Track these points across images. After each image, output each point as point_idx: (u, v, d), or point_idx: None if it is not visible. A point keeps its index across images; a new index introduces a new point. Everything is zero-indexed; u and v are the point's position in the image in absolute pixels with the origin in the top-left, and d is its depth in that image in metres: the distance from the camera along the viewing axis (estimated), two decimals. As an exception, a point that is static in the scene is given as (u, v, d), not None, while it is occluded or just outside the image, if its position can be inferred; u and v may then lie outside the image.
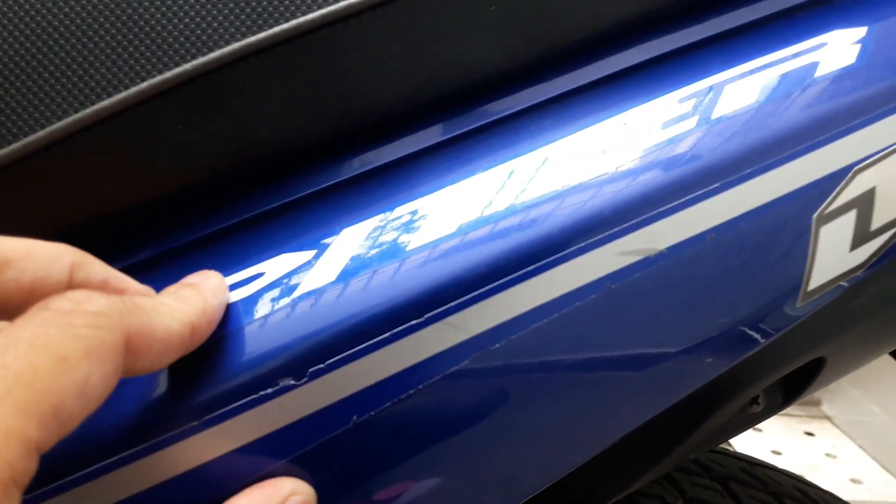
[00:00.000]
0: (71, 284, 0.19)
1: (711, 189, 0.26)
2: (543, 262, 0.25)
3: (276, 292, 0.24)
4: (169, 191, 0.25)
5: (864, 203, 0.28)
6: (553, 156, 0.26)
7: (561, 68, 0.28)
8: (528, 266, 0.25)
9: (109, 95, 0.24)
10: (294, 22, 0.24)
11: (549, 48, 0.27)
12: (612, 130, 0.26)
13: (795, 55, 0.28)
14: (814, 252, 0.27)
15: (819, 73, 0.27)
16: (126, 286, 0.21)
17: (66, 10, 0.24)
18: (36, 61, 0.23)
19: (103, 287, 0.20)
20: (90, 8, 0.24)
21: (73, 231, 0.25)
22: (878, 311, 0.32)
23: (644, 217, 0.25)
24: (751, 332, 0.28)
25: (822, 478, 1.57)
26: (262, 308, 0.24)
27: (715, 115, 0.27)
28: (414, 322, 0.24)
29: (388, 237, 0.25)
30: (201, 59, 0.24)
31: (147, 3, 0.24)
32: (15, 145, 0.23)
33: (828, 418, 1.81)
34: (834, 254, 0.28)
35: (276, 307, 0.24)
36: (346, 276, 0.24)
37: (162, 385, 0.23)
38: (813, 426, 1.77)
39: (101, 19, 0.24)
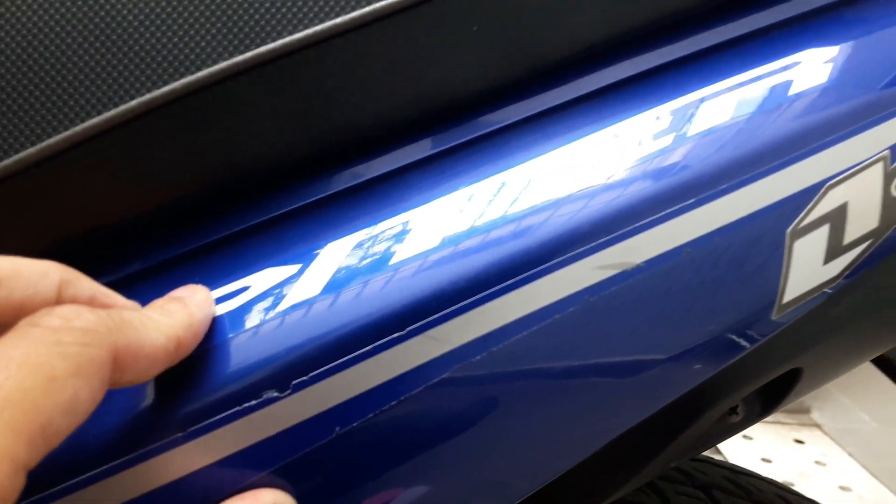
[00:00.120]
0: (59, 301, 0.20)
1: (687, 204, 0.26)
2: (523, 275, 0.25)
3: (260, 306, 0.25)
4: (157, 206, 0.26)
5: (837, 218, 0.28)
6: (533, 172, 0.27)
7: (542, 86, 0.28)
8: (508, 280, 0.25)
9: (99, 113, 0.24)
10: (280, 42, 0.24)
11: (530, 66, 0.28)
12: (591, 147, 0.27)
13: (770, 73, 0.29)
14: (788, 266, 0.28)
15: (793, 91, 0.28)
16: (113, 302, 0.22)
17: (58, 29, 0.24)
18: (27, 79, 0.24)
19: (91, 303, 0.21)
20: (80, 27, 0.24)
21: (62, 246, 0.25)
22: (853, 322, 0.33)
23: (621, 232, 0.26)
24: (727, 344, 0.28)
25: (812, 485, 1.58)
26: (247, 321, 0.24)
27: (691, 132, 0.27)
28: (396, 335, 0.24)
29: (370, 252, 0.26)
30: (189, 78, 0.24)
31: (136, 23, 0.24)
32: (6, 162, 0.24)
33: (818, 426, 1.81)
34: (808, 267, 0.28)
35: (261, 320, 0.24)
36: (329, 289, 0.25)
37: (146, 397, 0.23)
38: (803, 434, 1.77)
39: (92, 38, 0.24)
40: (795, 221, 0.27)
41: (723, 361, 0.28)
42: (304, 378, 0.24)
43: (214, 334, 0.24)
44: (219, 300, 0.25)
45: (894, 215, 0.29)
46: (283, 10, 0.25)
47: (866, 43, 0.30)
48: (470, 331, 0.25)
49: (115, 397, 0.23)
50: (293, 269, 0.25)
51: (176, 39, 0.24)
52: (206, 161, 0.25)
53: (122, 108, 0.24)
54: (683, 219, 0.26)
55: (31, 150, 0.24)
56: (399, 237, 0.26)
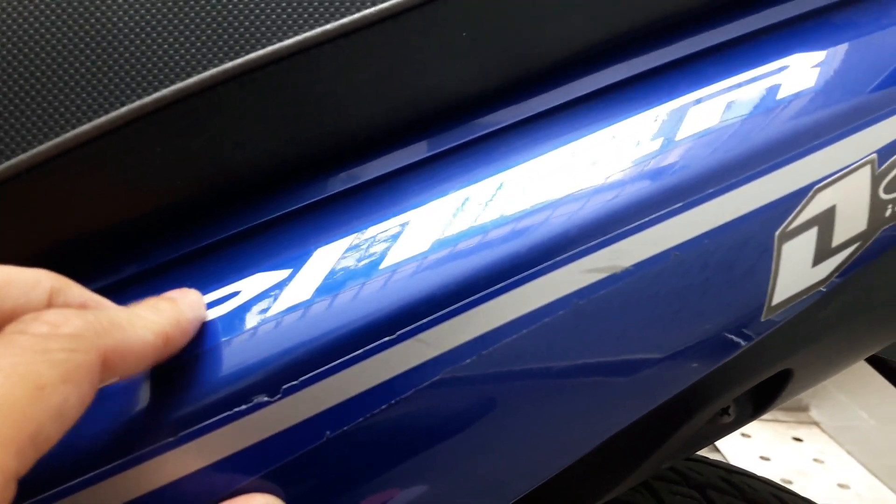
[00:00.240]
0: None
1: (676, 208, 0.27)
2: (513, 279, 0.26)
3: (251, 310, 0.25)
4: (148, 212, 0.26)
5: (825, 220, 0.28)
6: (522, 177, 0.27)
7: (531, 91, 0.28)
8: (498, 283, 0.25)
9: (90, 119, 0.24)
10: (270, 48, 0.25)
11: (518, 72, 0.28)
12: (579, 152, 0.27)
13: (758, 77, 0.29)
14: (777, 268, 0.28)
15: (781, 94, 0.28)
16: (105, 309, 0.22)
17: (48, 36, 0.24)
18: (18, 86, 0.24)
19: None
20: (71, 34, 0.24)
21: (53, 252, 0.26)
22: (842, 324, 0.33)
23: (610, 235, 0.26)
24: (717, 346, 0.28)
25: (811, 483, 1.58)
26: (237, 326, 0.25)
27: (679, 136, 0.27)
28: (386, 339, 0.25)
29: (360, 256, 0.26)
30: (179, 84, 0.24)
31: (127, 30, 0.24)
32: (-3, 168, 0.24)
33: (816, 424, 1.82)
34: (797, 270, 0.28)
35: (251, 325, 0.25)
36: (319, 294, 0.25)
37: (137, 402, 0.24)
38: (801, 432, 1.78)
39: (83, 45, 0.24)
40: (784, 224, 0.28)
41: (713, 363, 0.29)
42: (295, 382, 0.24)
43: (205, 339, 0.24)
44: (210, 305, 0.25)
45: (882, 218, 0.29)
46: (273, 16, 0.25)
47: (854, 47, 0.30)
48: (460, 334, 0.25)
49: (106, 402, 0.23)
50: (284, 273, 0.26)
51: (166, 46, 0.24)
52: (197, 167, 0.25)
53: (113, 114, 0.24)
54: (672, 222, 0.27)
55: (22, 157, 0.24)
56: (389, 241, 0.26)
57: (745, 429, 1.75)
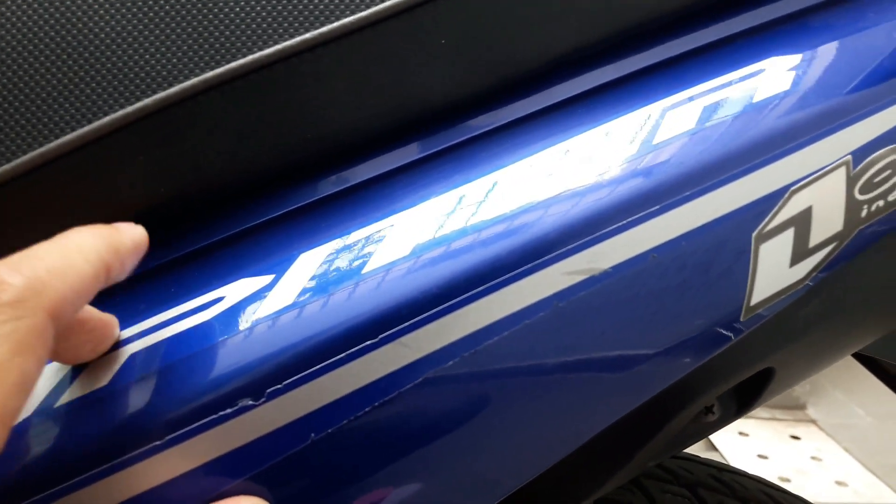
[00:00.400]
0: None
1: (653, 210, 0.27)
2: (493, 281, 0.26)
3: (234, 316, 0.25)
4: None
5: (802, 221, 0.29)
6: (502, 181, 0.27)
7: (510, 97, 0.29)
8: (478, 286, 0.26)
9: (73, 129, 0.25)
10: (250, 57, 0.25)
11: (497, 79, 0.28)
12: (557, 156, 0.28)
13: (735, 81, 0.29)
14: (754, 269, 0.28)
15: (757, 97, 0.29)
16: (89, 316, 0.22)
17: (30, 48, 0.25)
18: (0, 97, 0.24)
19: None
20: (53, 45, 0.25)
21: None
22: (822, 322, 0.33)
23: (589, 238, 0.26)
24: (696, 347, 0.29)
25: (808, 481, 1.58)
26: (222, 331, 0.25)
27: (657, 139, 0.28)
28: (369, 342, 0.25)
29: (342, 261, 0.26)
30: (161, 94, 0.25)
31: (109, 41, 0.25)
32: (-18, 179, 0.24)
33: (813, 422, 1.82)
34: (774, 270, 0.29)
35: (235, 330, 0.25)
36: (302, 299, 0.25)
37: (123, 406, 0.24)
38: (799, 430, 1.78)
39: (65, 56, 0.25)
40: (761, 226, 0.28)
41: (694, 363, 0.29)
42: (279, 386, 0.24)
43: (190, 344, 0.25)
44: (193, 311, 0.25)
45: (858, 218, 0.29)
46: (253, 26, 0.25)
47: (830, 50, 0.30)
48: (442, 337, 0.26)
49: (91, 407, 0.24)
50: (267, 279, 0.26)
51: (147, 56, 0.25)
52: (180, 175, 0.26)
53: (96, 124, 0.24)
54: (650, 224, 0.27)
55: (7, 167, 0.24)
56: (370, 247, 0.26)
57: (743, 427, 1.75)
